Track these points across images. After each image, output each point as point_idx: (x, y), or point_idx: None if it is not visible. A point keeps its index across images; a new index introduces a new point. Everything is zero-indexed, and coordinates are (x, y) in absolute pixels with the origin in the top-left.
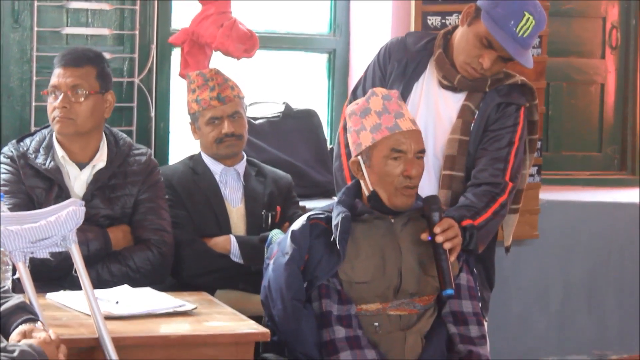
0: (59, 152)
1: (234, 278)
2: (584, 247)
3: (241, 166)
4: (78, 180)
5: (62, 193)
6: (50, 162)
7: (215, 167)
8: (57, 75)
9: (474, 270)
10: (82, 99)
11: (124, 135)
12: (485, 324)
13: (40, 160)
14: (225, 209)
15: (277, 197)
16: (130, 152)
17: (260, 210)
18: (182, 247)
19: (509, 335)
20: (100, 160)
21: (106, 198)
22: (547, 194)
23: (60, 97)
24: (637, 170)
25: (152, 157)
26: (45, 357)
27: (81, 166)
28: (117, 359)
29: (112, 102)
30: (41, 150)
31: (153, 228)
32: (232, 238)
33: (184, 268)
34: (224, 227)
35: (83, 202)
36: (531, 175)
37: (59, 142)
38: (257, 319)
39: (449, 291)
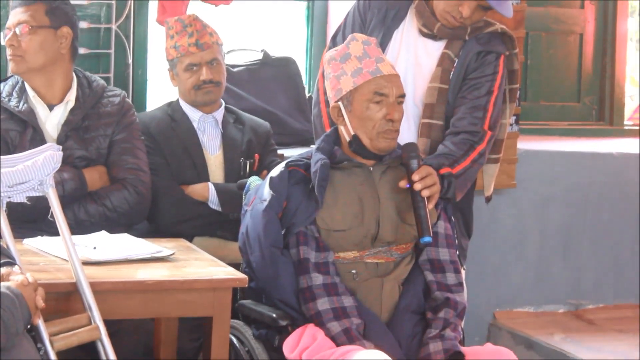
0: (30, 92)
1: (211, 225)
2: (561, 197)
3: (219, 113)
4: (49, 121)
5: (36, 135)
6: (23, 104)
7: (194, 114)
8: (10, 16)
9: (452, 218)
10: (28, 35)
11: (98, 78)
12: (463, 272)
13: (13, 102)
14: (203, 156)
15: (255, 145)
16: (103, 93)
17: (238, 158)
18: (160, 194)
19: (485, 285)
20: (70, 100)
21: (80, 139)
22: (525, 144)
23: (9, 36)
24: (615, 120)
25: (126, 98)
26: (23, 299)
27: (51, 107)
28: (95, 304)
29: (68, 38)
30: (14, 93)
31: (129, 167)
32: (210, 185)
33: (162, 215)
34: (202, 175)
35: (60, 147)
36: (509, 125)
37: (28, 83)
38: (235, 266)
39: (427, 239)
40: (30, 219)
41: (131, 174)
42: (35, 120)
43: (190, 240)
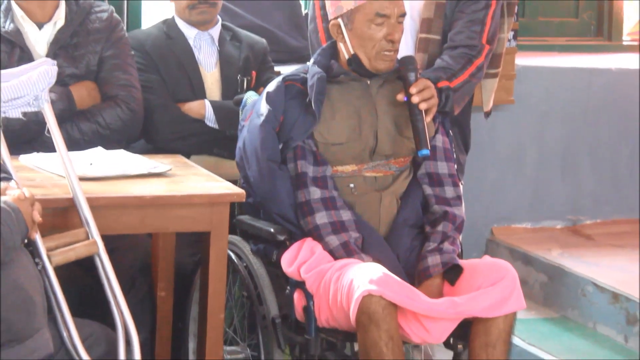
0: (18, 12)
1: (208, 143)
2: (559, 113)
3: (215, 31)
4: (38, 40)
5: (24, 55)
6: (9, 24)
7: (189, 32)
8: None
9: (450, 132)
10: None
11: None
12: (461, 186)
13: None
14: (199, 73)
15: (252, 62)
16: (91, 9)
17: (235, 75)
18: (156, 112)
19: (483, 201)
20: (59, 19)
21: (70, 57)
22: (523, 60)
23: None
24: (614, 36)
25: (114, 14)
26: (20, 213)
27: (40, 26)
28: (92, 219)
29: None
30: (1, 14)
31: (120, 84)
32: (207, 102)
33: (158, 133)
34: (198, 92)
35: (55, 62)
36: (507, 40)
37: (17, 3)
38: (232, 183)
39: (425, 151)
40: (25, 139)
41: (123, 90)
42: (23, 40)
43: (187, 158)
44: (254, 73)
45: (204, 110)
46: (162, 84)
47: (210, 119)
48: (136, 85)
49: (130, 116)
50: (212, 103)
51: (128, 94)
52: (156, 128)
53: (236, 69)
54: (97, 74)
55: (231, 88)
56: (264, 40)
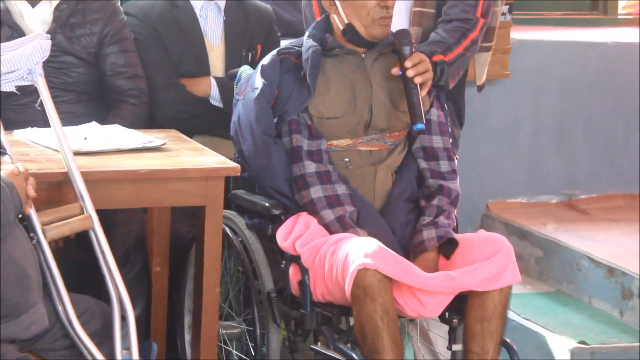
0: None
1: (212, 124)
2: (555, 87)
3: (222, 0)
4: (31, 18)
5: (14, 34)
6: None
7: (196, 2)
8: None
9: (445, 106)
10: None
11: None
12: (456, 160)
13: None
14: (204, 46)
15: (258, 33)
16: None
17: (240, 49)
18: (160, 92)
19: (478, 175)
20: None
21: (66, 37)
22: (519, 34)
23: None
24: (609, 10)
25: None
26: (13, 188)
27: (34, 4)
28: (87, 193)
29: None
30: None
31: (128, 76)
32: (212, 80)
33: (162, 112)
34: (203, 67)
35: (49, 36)
36: (502, 14)
37: None
38: None
39: (420, 125)
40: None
41: (131, 83)
42: (11, 18)
43: (190, 138)
44: (259, 47)
45: (210, 88)
46: (167, 60)
47: (215, 98)
48: (140, 73)
49: (143, 109)
50: (218, 81)
51: (136, 86)
52: (160, 108)
53: (241, 42)
54: (98, 60)
55: (235, 63)
56: (269, 9)
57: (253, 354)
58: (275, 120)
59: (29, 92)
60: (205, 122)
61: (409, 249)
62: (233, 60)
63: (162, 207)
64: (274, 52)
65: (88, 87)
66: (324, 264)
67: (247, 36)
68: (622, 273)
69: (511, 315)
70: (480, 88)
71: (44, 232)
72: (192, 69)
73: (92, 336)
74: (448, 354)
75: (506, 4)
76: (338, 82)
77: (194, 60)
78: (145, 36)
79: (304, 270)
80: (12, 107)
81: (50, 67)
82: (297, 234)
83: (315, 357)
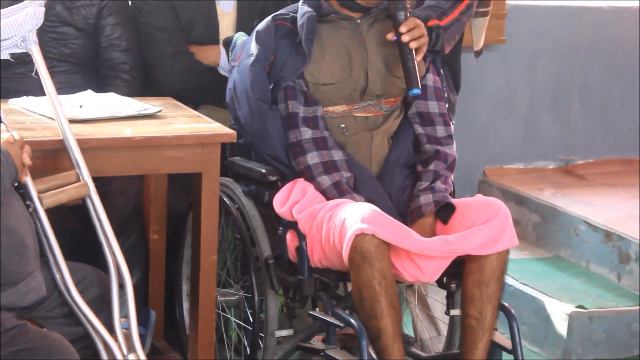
0: None
1: (219, 94)
2: (551, 52)
3: None
4: None
5: (13, 3)
6: None
7: None
8: None
9: (441, 71)
10: None
11: None
12: (452, 125)
13: None
14: (216, 13)
15: (270, 4)
16: None
17: (252, 17)
18: (168, 60)
19: (475, 141)
20: None
21: (66, 8)
22: None
23: None
24: None
25: None
26: (9, 157)
27: None
28: (83, 161)
29: None
30: None
31: (121, 49)
32: (222, 50)
33: (169, 81)
34: (212, 35)
35: (42, 3)
36: None
37: None
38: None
39: (415, 90)
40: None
41: (125, 56)
42: None
43: (196, 108)
44: None
45: (219, 58)
46: (178, 27)
47: (224, 68)
48: (135, 48)
49: (135, 86)
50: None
51: (129, 60)
52: (167, 76)
53: (253, 12)
54: (95, 31)
55: (246, 32)
56: None
57: (251, 320)
58: (270, 87)
59: (27, 61)
60: (212, 93)
61: (406, 214)
62: (244, 29)
63: (158, 175)
64: (269, 18)
65: (85, 59)
66: (321, 229)
67: (259, 5)
68: (619, 237)
69: (509, 280)
70: (478, 53)
71: (40, 200)
72: (200, 36)
73: (90, 304)
74: (446, 319)
75: None
76: (333, 48)
77: (204, 26)
78: (156, 0)
79: (301, 237)
80: (10, 76)
81: (49, 37)
82: (294, 200)
83: (313, 323)
